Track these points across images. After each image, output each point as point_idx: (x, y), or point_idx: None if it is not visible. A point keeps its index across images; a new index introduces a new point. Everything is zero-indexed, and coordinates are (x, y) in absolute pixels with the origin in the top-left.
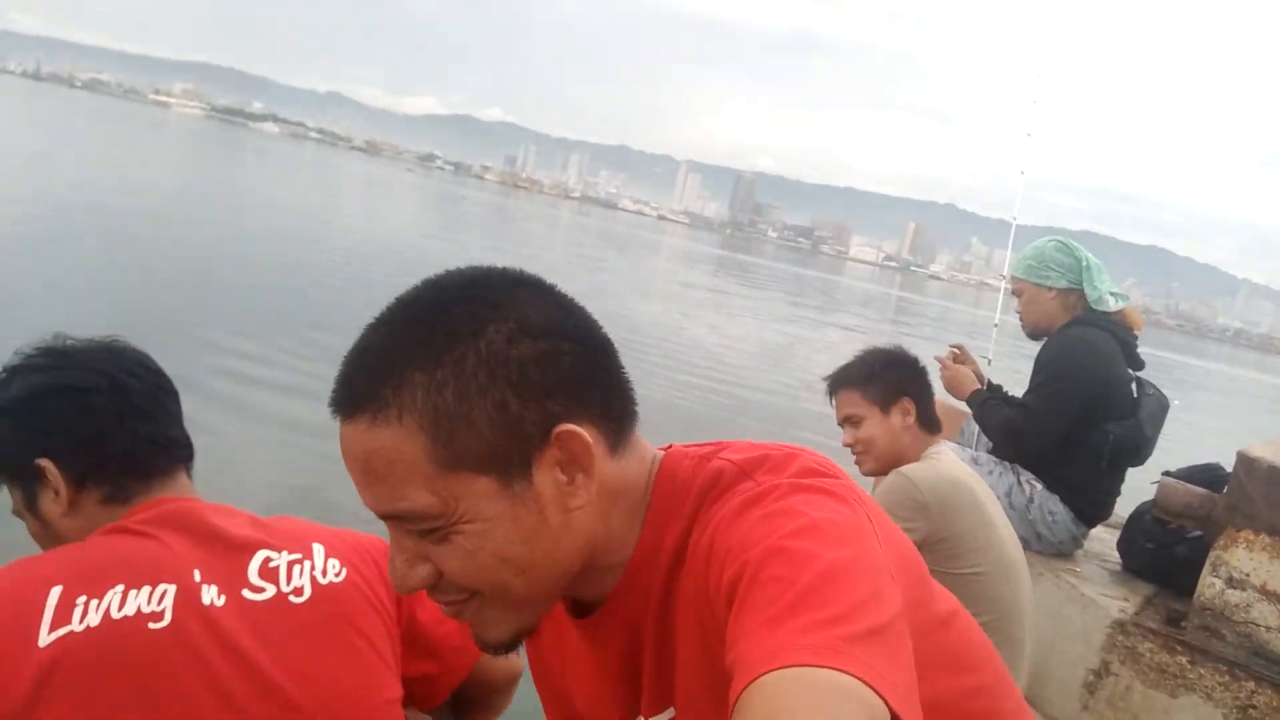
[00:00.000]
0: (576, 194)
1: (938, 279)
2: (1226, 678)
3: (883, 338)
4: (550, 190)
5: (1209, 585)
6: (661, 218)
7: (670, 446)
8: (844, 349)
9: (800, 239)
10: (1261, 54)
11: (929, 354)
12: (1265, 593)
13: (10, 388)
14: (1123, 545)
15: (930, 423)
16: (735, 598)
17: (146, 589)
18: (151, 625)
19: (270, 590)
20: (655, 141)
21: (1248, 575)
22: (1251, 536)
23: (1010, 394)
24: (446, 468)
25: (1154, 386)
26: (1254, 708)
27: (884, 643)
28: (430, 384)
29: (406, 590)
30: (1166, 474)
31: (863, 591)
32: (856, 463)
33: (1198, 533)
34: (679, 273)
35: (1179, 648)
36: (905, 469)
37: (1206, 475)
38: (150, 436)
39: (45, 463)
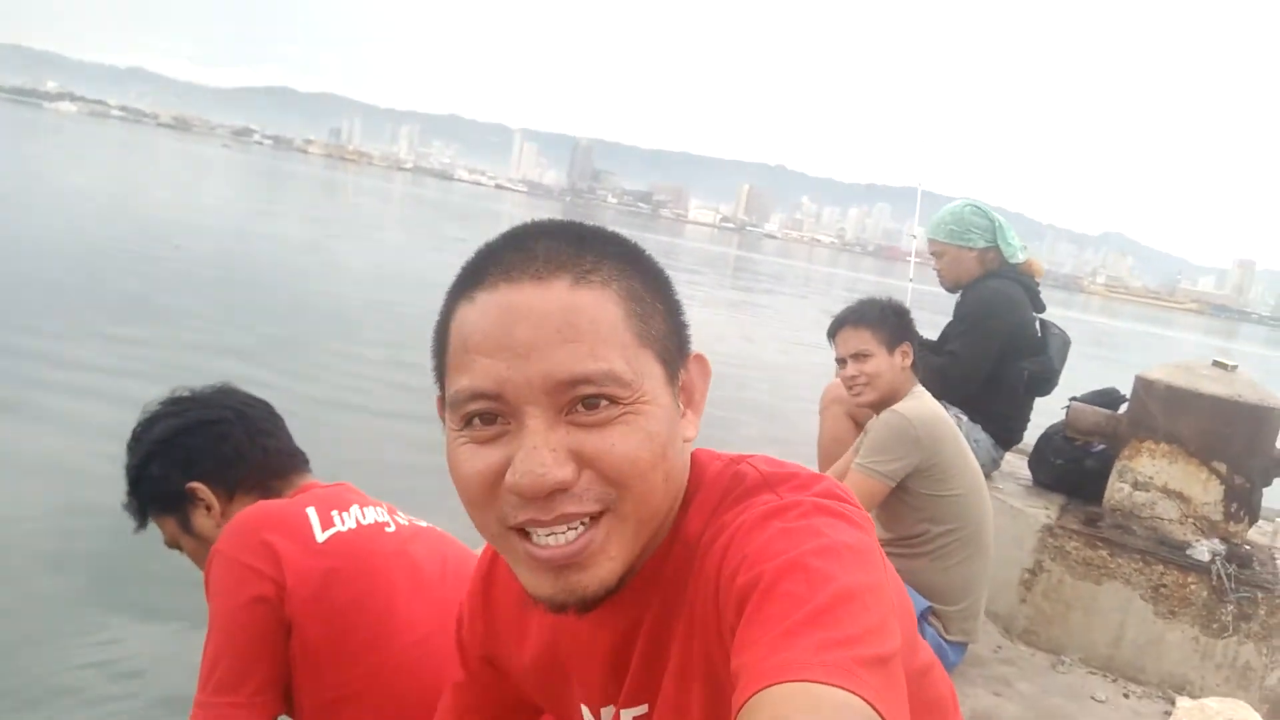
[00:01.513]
0: (409, 165)
1: (773, 237)
2: (1140, 564)
3: (734, 295)
4: (381, 162)
5: (1117, 490)
6: (500, 187)
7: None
8: (699, 313)
9: (640, 204)
10: (1031, 26)
11: (784, 306)
12: (1167, 491)
13: (153, 432)
14: (1033, 463)
15: (915, 366)
16: (748, 605)
17: (370, 508)
18: (386, 530)
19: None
20: (488, 110)
21: (1151, 478)
22: (1153, 446)
23: (927, 339)
24: (640, 342)
25: (1057, 326)
26: (1164, 585)
27: (889, 673)
28: (626, 268)
29: (545, 486)
30: (1074, 399)
31: (875, 619)
32: (855, 394)
33: (1101, 447)
34: None
35: (1099, 543)
36: (898, 407)
37: (1105, 398)
38: (277, 448)
39: (196, 485)
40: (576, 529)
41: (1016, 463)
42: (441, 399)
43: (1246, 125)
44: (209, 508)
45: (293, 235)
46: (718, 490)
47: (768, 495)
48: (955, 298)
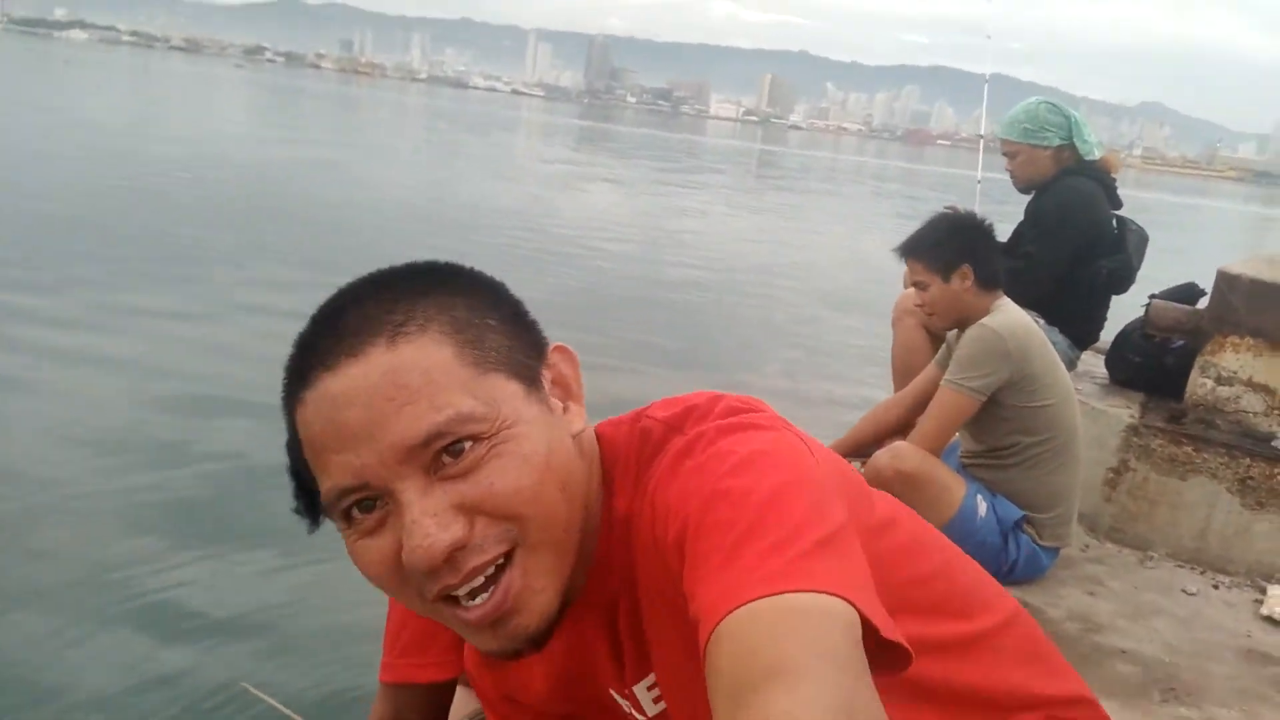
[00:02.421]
0: (423, 76)
1: (798, 128)
2: (1226, 458)
3: (756, 193)
4: (395, 74)
5: (1200, 385)
6: (516, 92)
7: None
8: (717, 210)
9: (660, 101)
10: None
11: (808, 203)
12: (1252, 385)
13: None
14: (1111, 362)
15: (990, 280)
16: (685, 551)
17: None
18: None
19: None
20: (500, 12)
21: (1235, 373)
22: (1237, 340)
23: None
24: (481, 370)
25: (1135, 223)
26: (1251, 478)
27: (835, 549)
28: (443, 299)
29: (438, 554)
30: (1153, 296)
31: (804, 508)
32: (928, 320)
33: (1181, 343)
34: (550, 152)
35: (1184, 439)
36: (986, 320)
37: (1185, 293)
38: None
39: None
40: (494, 578)
41: (1092, 361)
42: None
43: None
44: None
45: (325, 160)
46: (630, 458)
47: (675, 439)
48: (1027, 197)
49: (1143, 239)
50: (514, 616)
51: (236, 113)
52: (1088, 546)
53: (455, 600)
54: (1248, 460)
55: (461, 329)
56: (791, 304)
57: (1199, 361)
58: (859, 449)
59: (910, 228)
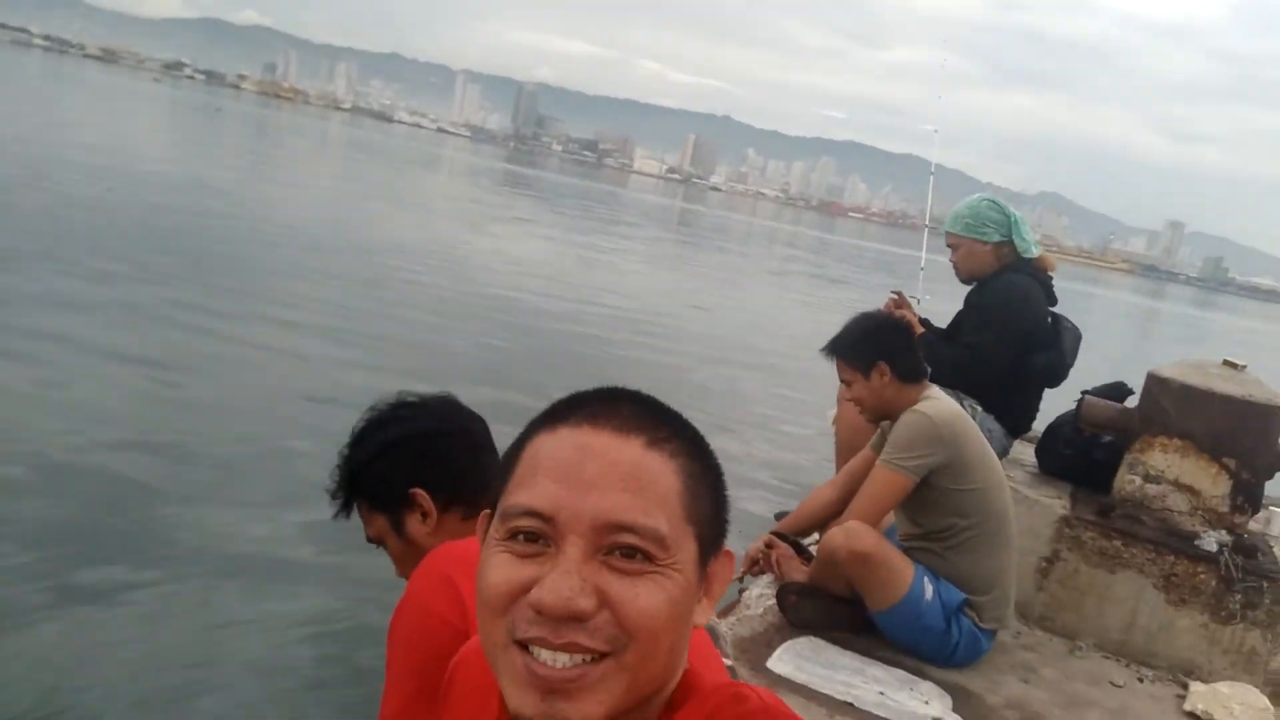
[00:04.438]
0: (347, 105)
1: (718, 190)
2: (1153, 554)
3: (676, 247)
4: (318, 101)
5: (1128, 481)
6: (441, 130)
7: None
8: (630, 264)
9: (586, 152)
10: None
11: (728, 262)
12: (1178, 485)
13: (386, 432)
14: (1042, 452)
15: (909, 374)
16: None
17: None
18: None
19: None
20: (430, 50)
21: (1163, 472)
22: (1166, 441)
23: (938, 328)
24: (687, 518)
25: (1069, 320)
26: (1175, 575)
27: None
28: (692, 449)
29: (565, 609)
30: (1085, 392)
31: None
32: (860, 412)
33: (1109, 439)
34: (471, 192)
35: (1114, 534)
36: (920, 407)
37: (1114, 391)
38: (492, 466)
39: (419, 491)
40: (578, 661)
41: (1023, 450)
42: (488, 515)
43: (1181, 91)
44: (425, 514)
45: (225, 179)
46: (712, 703)
47: None
48: (968, 287)
49: (1076, 336)
50: (567, 699)
51: (143, 125)
52: (1019, 634)
53: (529, 652)
54: (1172, 558)
55: (694, 478)
56: (701, 359)
57: (1128, 458)
58: (800, 528)
59: (823, 297)
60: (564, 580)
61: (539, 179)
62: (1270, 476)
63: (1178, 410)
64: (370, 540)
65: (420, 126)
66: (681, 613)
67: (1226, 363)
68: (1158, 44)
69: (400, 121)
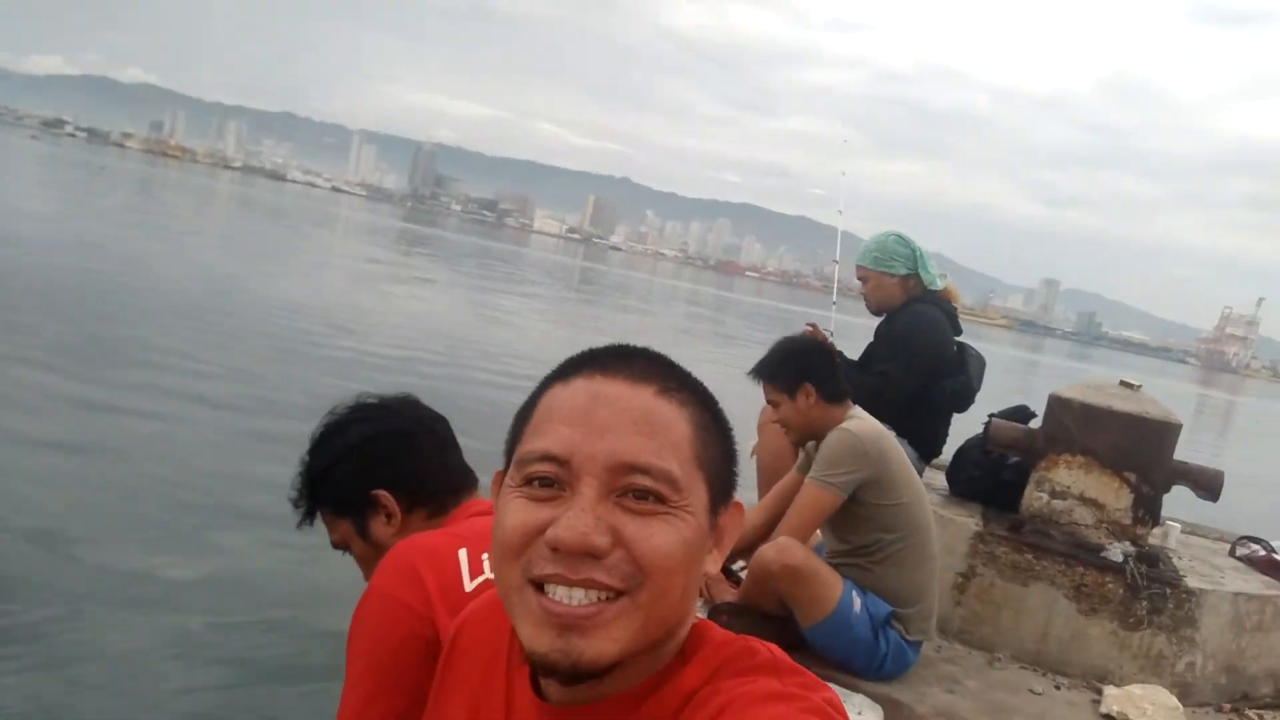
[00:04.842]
0: (238, 164)
1: (618, 249)
2: (1063, 566)
3: (579, 306)
4: (206, 159)
5: (1036, 499)
6: (336, 189)
7: None
8: (533, 322)
9: (485, 211)
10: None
11: (630, 321)
12: (1083, 500)
13: (346, 435)
14: (952, 475)
15: (833, 395)
16: None
17: None
18: None
19: None
20: (325, 110)
21: (1068, 488)
22: (1070, 458)
23: (850, 359)
24: (697, 463)
25: (973, 348)
26: (1085, 586)
27: None
28: (700, 400)
29: (582, 544)
30: (992, 415)
31: None
32: (786, 433)
33: (1016, 460)
34: (365, 250)
35: (1025, 548)
36: (847, 425)
37: (1018, 414)
38: (456, 465)
39: (382, 493)
40: (593, 599)
41: (932, 475)
42: (502, 474)
43: (1053, 158)
44: (390, 516)
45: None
46: (723, 655)
47: (774, 680)
48: (878, 321)
49: (981, 363)
50: (582, 636)
51: (16, 182)
52: (940, 648)
53: (544, 592)
54: (1081, 569)
55: (704, 428)
56: None
57: (1034, 477)
58: (730, 555)
59: (730, 351)
60: (580, 518)
61: (438, 238)
62: (1167, 489)
63: (1080, 428)
64: (335, 546)
65: (314, 185)
66: (694, 555)
67: (1123, 383)
68: (1031, 115)
69: (294, 180)
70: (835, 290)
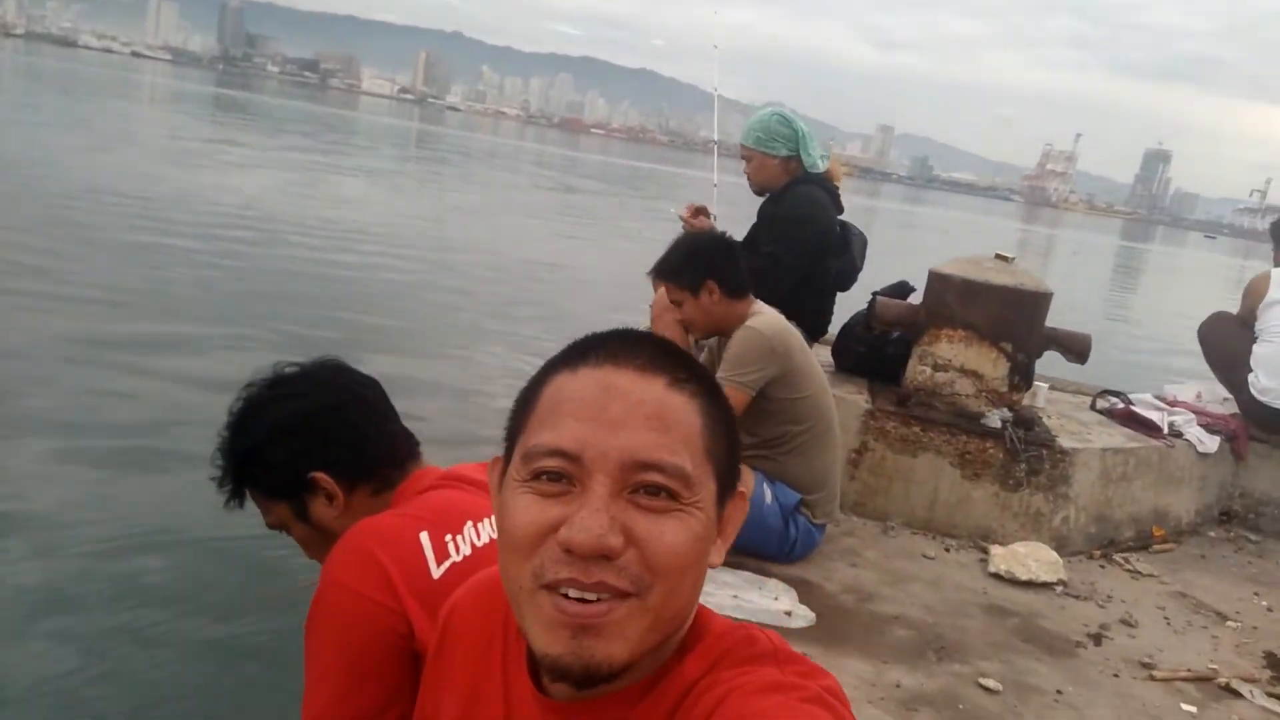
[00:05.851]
0: (19, 31)
1: (456, 109)
2: (947, 435)
3: (421, 171)
4: None
5: (919, 372)
6: (136, 55)
7: None
8: (376, 194)
9: (307, 73)
10: None
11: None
12: (964, 371)
13: (271, 413)
14: (837, 352)
15: (736, 290)
16: None
17: (484, 521)
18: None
19: None
20: None
21: (949, 360)
22: (950, 332)
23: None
24: (708, 457)
25: (856, 227)
26: (968, 453)
27: None
28: (708, 391)
29: (596, 546)
30: (876, 293)
31: None
32: (689, 331)
33: (899, 335)
34: (182, 124)
35: (912, 421)
36: (752, 323)
37: (898, 290)
38: (397, 433)
39: (319, 475)
40: (605, 600)
41: (819, 351)
42: (501, 459)
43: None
44: (331, 497)
45: None
46: (723, 645)
47: (773, 669)
48: (761, 199)
49: (863, 241)
50: (595, 637)
51: None
52: (839, 522)
53: (559, 595)
54: (964, 437)
55: (711, 420)
56: (476, 285)
57: (917, 351)
58: None
59: (580, 217)
60: (593, 518)
61: (256, 103)
62: (1039, 355)
63: (960, 303)
64: (271, 528)
65: (111, 51)
66: (703, 551)
67: (999, 256)
68: None
69: (87, 47)
70: (715, 172)
